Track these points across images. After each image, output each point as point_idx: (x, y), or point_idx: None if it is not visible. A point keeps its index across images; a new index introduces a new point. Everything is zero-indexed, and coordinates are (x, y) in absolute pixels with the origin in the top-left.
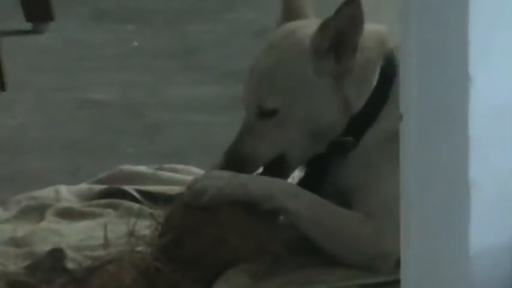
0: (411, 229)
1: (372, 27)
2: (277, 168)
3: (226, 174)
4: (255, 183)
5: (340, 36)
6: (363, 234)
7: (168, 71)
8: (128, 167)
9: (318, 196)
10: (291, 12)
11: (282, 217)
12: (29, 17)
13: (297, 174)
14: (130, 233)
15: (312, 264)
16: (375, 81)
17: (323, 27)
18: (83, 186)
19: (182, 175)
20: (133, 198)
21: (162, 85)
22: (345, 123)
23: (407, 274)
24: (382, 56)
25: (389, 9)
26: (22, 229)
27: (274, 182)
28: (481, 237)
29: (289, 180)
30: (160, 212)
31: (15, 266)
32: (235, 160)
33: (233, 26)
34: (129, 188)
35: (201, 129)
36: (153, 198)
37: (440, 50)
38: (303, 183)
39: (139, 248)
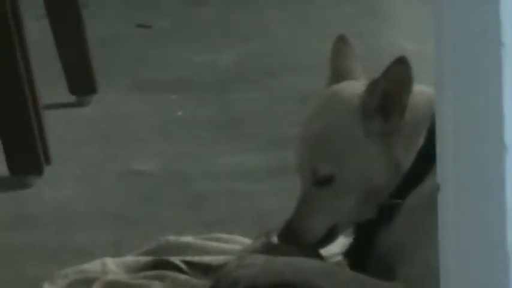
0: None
1: (418, 87)
2: (326, 237)
3: (260, 260)
4: (290, 267)
5: (388, 95)
6: None
7: (212, 140)
8: (173, 238)
9: (356, 273)
10: (339, 75)
11: None
12: (73, 90)
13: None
14: None
15: None
16: (421, 141)
17: (371, 87)
18: (129, 258)
19: (229, 244)
20: (179, 269)
21: (206, 154)
22: (394, 184)
23: None
24: (428, 116)
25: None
26: None
27: (310, 264)
28: None
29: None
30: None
31: None
32: (294, 235)
33: (276, 93)
34: (176, 259)
35: (246, 198)
36: (199, 269)
37: (475, 118)
38: (351, 251)
39: None
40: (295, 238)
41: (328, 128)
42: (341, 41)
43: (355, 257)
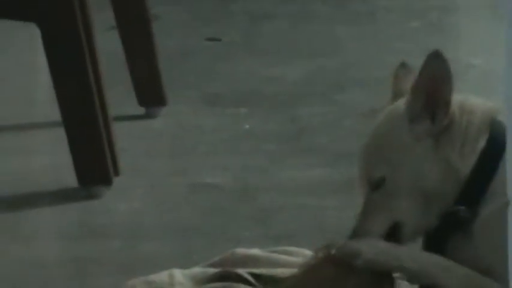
0: None
1: (479, 100)
2: (392, 240)
3: (381, 243)
4: (410, 257)
5: (430, 94)
6: None
7: (280, 154)
8: (241, 250)
9: (469, 269)
10: (399, 96)
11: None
12: (142, 102)
13: None
14: None
15: None
16: (479, 146)
17: (412, 90)
18: (197, 269)
19: (296, 257)
20: (247, 282)
21: (274, 168)
22: (455, 190)
23: None
24: (487, 123)
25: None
26: None
27: (428, 256)
28: None
29: None
30: None
31: None
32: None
33: (342, 108)
34: (243, 271)
35: (313, 212)
36: (266, 282)
37: None
38: None
39: None
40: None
41: (378, 135)
42: (402, 67)
43: None
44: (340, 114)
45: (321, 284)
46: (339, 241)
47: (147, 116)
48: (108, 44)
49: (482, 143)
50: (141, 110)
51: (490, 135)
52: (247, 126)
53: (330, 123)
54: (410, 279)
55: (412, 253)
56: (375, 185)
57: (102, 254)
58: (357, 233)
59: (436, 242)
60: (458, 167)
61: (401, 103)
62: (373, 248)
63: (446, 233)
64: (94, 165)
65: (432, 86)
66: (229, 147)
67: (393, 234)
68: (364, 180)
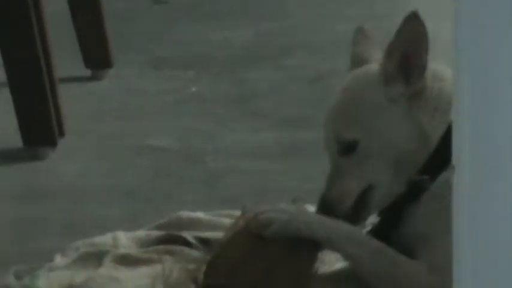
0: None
1: (449, 70)
2: (361, 204)
3: (293, 209)
4: (321, 224)
5: (406, 55)
6: (423, 285)
7: (226, 117)
8: (185, 213)
9: (383, 243)
10: (359, 63)
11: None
12: (88, 64)
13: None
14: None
15: None
16: (449, 117)
17: (388, 51)
18: (141, 232)
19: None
20: (191, 245)
21: (220, 131)
22: (423, 157)
23: None
24: None
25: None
26: (80, 276)
27: (340, 227)
28: None
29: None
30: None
31: None
32: (327, 206)
33: (289, 72)
34: (187, 234)
35: (258, 175)
36: (210, 244)
37: (494, 93)
38: (377, 228)
39: None
40: (331, 209)
41: (350, 96)
42: (360, 33)
43: (379, 235)
44: (287, 78)
45: (237, 256)
46: (256, 209)
47: (93, 78)
48: (54, 6)
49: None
50: (87, 72)
51: None
52: (194, 90)
53: (277, 87)
54: (325, 248)
55: (324, 221)
56: (347, 149)
57: (46, 216)
58: (326, 200)
59: (393, 209)
60: (429, 133)
61: (370, 67)
62: (284, 217)
63: (405, 202)
64: (39, 126)
65: (408, 47)
66: (175, 110)
67: (362, 200)
68: (332, 144)
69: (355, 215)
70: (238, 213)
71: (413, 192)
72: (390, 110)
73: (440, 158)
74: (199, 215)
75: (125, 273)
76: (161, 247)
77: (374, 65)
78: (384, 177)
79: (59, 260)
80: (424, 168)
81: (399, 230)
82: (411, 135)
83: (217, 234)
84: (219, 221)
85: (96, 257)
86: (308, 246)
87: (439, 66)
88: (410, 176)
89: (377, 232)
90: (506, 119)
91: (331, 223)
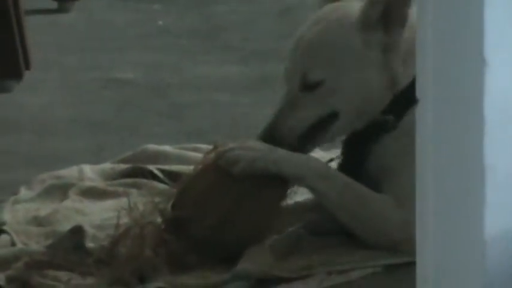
0: (427, 213)
1: None
2: (314, 133)
3: (261, 146)
4: (288, 161)
5: (389, 7)
6: (391, 218)
7: (193, 51)
8: (151, 146)
9: (350, 178)
10: None
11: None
12: None
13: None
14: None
15: (333, 245)
16: None
17: None
18: (107, 165)
19: None
20: (156, 178)
21: (187, 65)
22: (387, 100)
23: (423, 257)
24: None
25: None
26: (45, 208)
27: (307, 162)
28: (496, 222)
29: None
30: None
31: (37, 245)
32: (275, 134)
33: (257, 6)
34: (153, 168)
35: (225, 108)
36: (175, 177)
37: (456, 35)
38: (341, 166)
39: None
40: (277, 137)
41: (326, 34)
42: None
43: (345, 173)
44: (255, 12)
45: (205, 189)
46: (224, 145)
47: (59, 10)
48: None
49: None
50: (53, 4)
51: None
52: (160, 23)
53: (245, 21)
54: (294, 184)
55: (291, 158)
56: (309, 87)
57: (11, 148)
58: (273, 130)
59: (357, 147)
60: (399, 79)
61: (348, 6)
62: (251, 155)
63: (369, 140)
64: (4, 58)
65: None
66: (142, 43)
67: (318, 128)
68: (295, 78)
69: (301, 146)
70: (204, 147)
71: (377, 131)
72: (364, 56)
73: (406, 100)
74: (166, 148)
75: (90, 206)
76: (127, 180)
77: (352, 4)
78: (346, 110)
79: (23, 192)
80: (389, 108)
81: (364, 166)
82: (381, 81)
83: (183, 168)
84: (186, 154)
85: (61, 190)
86: (277, 181)
87: (412, 13)
88: (373, 115)
89: (342, 170)
90: (467, 52)
91: (298, 160)
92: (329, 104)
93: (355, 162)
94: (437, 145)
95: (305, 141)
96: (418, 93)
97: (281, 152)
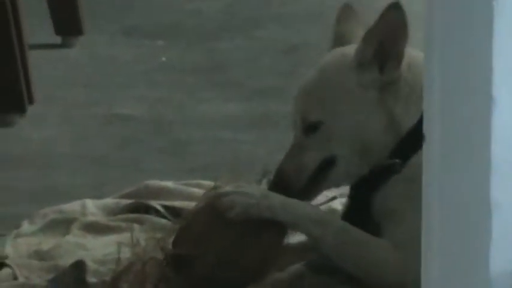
0: (432, 251)
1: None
2: (318, 178)
3: (256, 192)
4: (283, 208)
5: (383, 44)
6: (387, 262)
7: (196, 87)
8: (154, 182)
9: (346, 223)
10: (341, 40)
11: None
12: (58, 31)
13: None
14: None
15: (334, 284)
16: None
17: (365, 36)
18: (109, 200)
19: None
20: (159, 213)
21: (190, 101)
22: (392, 144)
23: None
24: None
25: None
26: (47, 242)
27: (303, 208)
28: (502, 259)
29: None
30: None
31: (39, 279)
32: (283, 179)
33: (261, 43)
34: (155, 203)
35: (229, 146)
36: (178, 213)
37: (464, 72)
38: (347, 210)
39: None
40: (284, 181)
41: (321, 76)
42: (345, 9)
43: (349, 219)
44: (259, 49)
45: (206, 228)
46: (224, 185)
47: (63, 45)
48: None
49: None
50: (57, 39)
51: None
52: (164, 59)
53: (248, 58)
54: (290, 229)
55: (285, 205)
56: (310, 128)
57: (14, 182)
58: (282, 172)
59: (363, 192)
60: (401, 121)
61: (349, 49)
62: (246, 201)
63: (375, 185)
64: (8, 92)
65: (387, 35)
66: (145, 79)
67: (321, 173)
68: (298, 122)
69: (308, 190)
70: (207, 183)
71: (383, 176)
72: (360, 96)
73: (412, 143)
74: (168, 184)
75: (92, 241)
76: (129, 215)
77: (353, 46)
78: (346, 154)
79: (26, 226)
80: (394, 152)
81: (369, 212)
82: (379, 123)
83: (185, 204)
84: (188, 190)
85: (63, 224)
86: (276, 223)
87: (414, 52)
88: (379, 160)
89: (347, 216)
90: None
91: (293, 206)
92: (328, 147)
93: (361, 206)
94: (444, 182)
95: (310, 186)
96: (425, 130)
97: (275, 199)
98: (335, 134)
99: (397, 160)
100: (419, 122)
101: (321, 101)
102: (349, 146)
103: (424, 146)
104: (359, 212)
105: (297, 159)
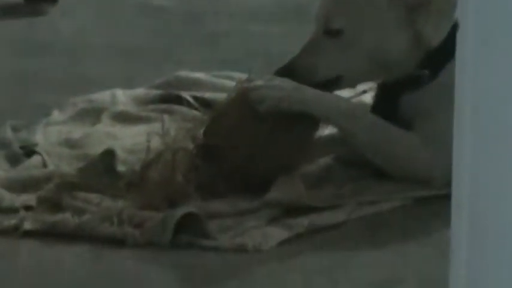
0: (463, 143)
1: None
2: (330, 85)
3: (288, 85)
4: (314, 101)
5: None
6: (417, 156)
7: None
8: (185, 73)
9: (379, 118)
10: None
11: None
12: None
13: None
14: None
15: (363, 177)
16: (453, 19)
17: None
18: (140, 90)
19: None
20: (189, 104)
21: None
22: (419, 58)
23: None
24: None
25: None
26: (77, 131)
27: (333, 101)
28: None
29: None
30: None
31: (69, 167)
32: (292, 73)
33: None
34: (186, 94)
35: (259, 38)
36: (208, 105)
37: None
38: (374, 108)
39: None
40: (295, 75)
41: None
42: None
43: (378, 115)
44: None
45: (238, 120)
46: (256, 80)
47: None
48: None
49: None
50: None
51: None
52: None
53: None
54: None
55: (317, 98)
56: (331, 33)
57: (45, 71)
58: (293, 68)
59: (390, 98)
60: (430, 40)
61: None
62: (278, 92)
63: (402, 92)
64: None
65: None
66: None
67: (332, 82)
68: (322, 21)
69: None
70: (238, 75)
71: (411, 84)
72: (387, 13)
73: (442, 55)
74: (199, 75)
75: (122, 130)
76: (159, 106)
77: None
78: (356, 71)
79: (56, 115)
80: (423, 64)
81: (396, 117)
82: (404, 41)
83: (216, 95)
84: (219, 82)
85: (93, 114)
86: (308, 116)
87: None
88: (406, 71)
89: (374, 110)
90: None
91: (324, 99)
92: (343, 57)
93: (387, 112)
94: (478, 76)
95: (326, 86)
96: (459, 15)
97: (307, 92)
98: (353, 46)
99: (425, 71)
100: (448, 37)
101: (346, 9)
102: (366, 58)
103: (458, 34)
104: (386, 111)
105: (312, 59)
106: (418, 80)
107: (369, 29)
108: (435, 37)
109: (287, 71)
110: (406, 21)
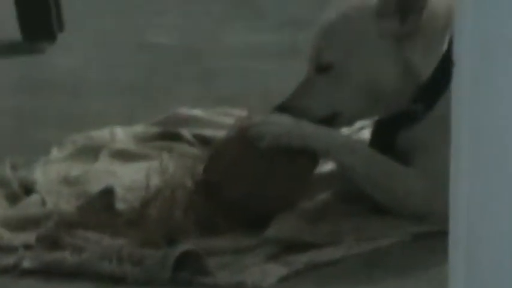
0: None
1: None
2: (327, 124)
3: (286, 121)
4: (313, 136)
5: None
6: (415, 191)
7: (227, 17)
8: (183, 110)
9: (378, 152)
10: None
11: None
12: None
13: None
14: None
15: (361, 212)
16: (443, 49)
17: None
18: (138, 128)
19: None
20: (188, 141)
21: (221, 31)
22: (410, 90)
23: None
24: (449, 24)
25: None
26: (76, 169)
27: (332, 136)
28: None
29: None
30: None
31: (68, 205)
32: (290, 111)
33: None
34: (185, 131)
35: (256, 75)
36: (207, 142)
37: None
38: (371, 145)
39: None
40: (291, 113)
41: (341, 19)
42: None
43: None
44: None
45: (236, 157)
46: (255, 117)
47: None
48: None
49: (445, 46)
50: None
51: (451, 37)
52: None
53: None
54: (321, 157)
55: (316, 133)
56: (322, 69)
57: (44, 109)
58: (282, 108)
59: (386, 134)
60: (420, 69)
61: None
62: (277, 128)
63: (398, 128)
64: (38, 19)
65: None
66: (176, 7)
67: (329, 121)
68: (313, 58)
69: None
70: (235, 111)
71: (406, 120)
72: (376, 44)
73: (434, 88)
74: (197, 112)
75: (121, 168)
76: (158, 143)
77: None
78: (351, 107)
79: (55, 152)
80: (416, 98)
81: (393, 149)
82: (395, 72)
83: (214, 132)
84: (217, 119)
85: (93, 151)
86: (307, 152)
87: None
88: (398, 106)
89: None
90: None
91: (323, 134)
92: (335, 90)
93: (384, 148)
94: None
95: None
96: (455, 56)
97: (306, 127)
98: (345, 79)
99: (419, 105)
100: (438, 68)
101: (335, 43)
102: (359, 92)
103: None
104: (383, 146)
105: (305, 97)
106: (413, 114)
107: (358, 60)
108: (425, 67)
109: (283, 110)
110: (395, 51)
